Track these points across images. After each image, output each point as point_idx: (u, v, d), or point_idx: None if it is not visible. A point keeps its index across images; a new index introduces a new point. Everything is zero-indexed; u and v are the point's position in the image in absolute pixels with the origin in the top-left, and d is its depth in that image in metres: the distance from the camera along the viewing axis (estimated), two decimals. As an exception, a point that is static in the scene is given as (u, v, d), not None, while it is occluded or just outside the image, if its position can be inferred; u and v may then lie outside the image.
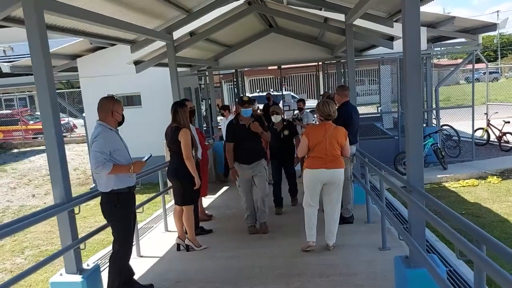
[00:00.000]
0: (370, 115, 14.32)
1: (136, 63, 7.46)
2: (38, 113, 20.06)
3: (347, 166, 5.78)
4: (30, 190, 11.92)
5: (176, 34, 7.08)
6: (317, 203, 4.87)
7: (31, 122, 23.03)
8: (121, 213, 3.81)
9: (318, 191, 4.82)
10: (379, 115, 14.38)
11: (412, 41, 3.26)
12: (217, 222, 6.59)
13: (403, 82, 3.31)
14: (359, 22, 6.61)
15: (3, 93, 28.89)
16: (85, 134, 13.18)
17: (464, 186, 9.09)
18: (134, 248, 5.37)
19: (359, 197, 6.27)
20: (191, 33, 7.45)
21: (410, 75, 3.27)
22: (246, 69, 25.75)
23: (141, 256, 5.26)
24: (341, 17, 6.90)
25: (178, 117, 5.03)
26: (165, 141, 5.33)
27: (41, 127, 18.24)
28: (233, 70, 15.36)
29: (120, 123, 3.94)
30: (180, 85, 11.70)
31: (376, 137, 11.37)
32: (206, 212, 6.97)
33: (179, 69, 11.05)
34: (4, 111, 24.18)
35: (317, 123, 5.03)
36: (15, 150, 19.52)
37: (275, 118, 6.60)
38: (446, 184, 9.40)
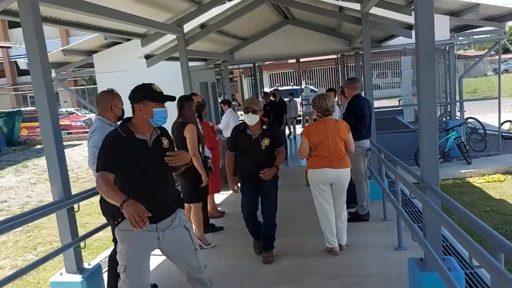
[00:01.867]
0: (392, 109, 13.91)
1: (147, 57, 7.35)
2: (61, 109, 20.28)
3: (359, 161, 5.53)
4: (50, 187, 12.04)
5: (187, 27, 6.93)
6: (330, 202, 4.57)
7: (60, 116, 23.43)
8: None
9: (327, 190, 4.52)
10: (400, 108, 13.97)
11: (424, 24, 3.00)
12: (230, 219, 6.43)
13: (416, 79, 3.05)
14: (375, 10, 6.32)
15: (28, 90, 29.55)
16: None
17: (489, 182, 8.69)
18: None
19: (376, 193, 6.00)
20: (202, 26, 7.29)
21: (422, 62, 3.02)
22: (265, 63, 25.55)
23: (148, 254, 5.14)
24: (356, 6, 6.61)
25: (184, 112, 4.88)
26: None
27: (64, 123, 18.41)
28: (251, 64, 15.22)
29: (120, 118, 3.81)
30: (195, 80, 11.65)
31: (397, 131, 11.00)
32: (219, 208, 6.82)
33: (194, 63, 10.99)
34: (29, 108, 24.64)
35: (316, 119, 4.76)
36: (38, 146, 19.83)
37: (250, 119, 4.28)
38: (470, 180, 9.00)
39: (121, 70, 11.20)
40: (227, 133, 8.80)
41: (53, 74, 11.56)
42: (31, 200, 10.63)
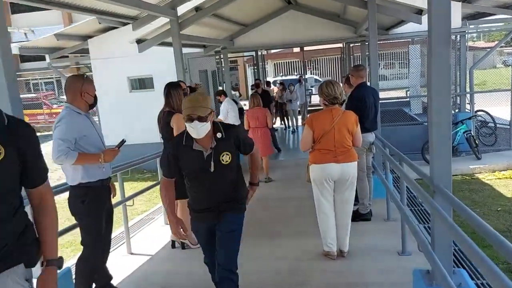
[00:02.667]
0: (399, 100, 13.41)
1: (139, 41, 6.92)
2: (63, 97, 19.80)
3: (362, 157, 5.11)
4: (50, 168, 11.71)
5: (181, 10, 6.50)
6: (331, 202, 4.15)
7: (55, 106, 23.11)
8: (89, 210, 3.28)
9: (330, 188, 4.09)
10: (407, 99, 13.46)
11: (439, 5, 2.56)
12: (222, 215, 6.05)
13: (428, 66, 2.60)
14: (382, -7, 5.84)
15: (32, 77, 29.19)
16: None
17: (500, 179, 8.24)
18: (124, 246, 4.93)
19: (380, 190, 5.58)
20: (197, 8, 6.84)
21: (436, 49, 2.58)
22: (270, 51, 24.98)
23: (132, 254, 4.78)
24: (362, -12, 6.14)
25: (171, 100, 4.46)
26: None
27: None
28: (254, 52, 14.74)
29: (92, 106, 3.40)
30: (194, 67, 11.24)
31: (403, 123, 10.53)
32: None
33: (192, 50, 10.56)
34: (29, 95, 24.33)
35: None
36: (38, 134, 19.43)
37: (197, 130, 2.73)
38: (480, 176, 8.55)
39: (118, 56, 10.81)
40: (226, 124, 8.41)
41: (47, 60, 11.17)
42: (23, 189, 10.28)
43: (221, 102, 8.38)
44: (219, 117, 8.35)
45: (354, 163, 4.06)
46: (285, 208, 6.10)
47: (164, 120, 4.44)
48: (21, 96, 14.77)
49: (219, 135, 2.80)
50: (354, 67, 5.33)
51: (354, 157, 4.07)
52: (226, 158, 2.83)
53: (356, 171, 4.10)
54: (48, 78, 28.18)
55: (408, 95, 14.59)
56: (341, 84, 4.12)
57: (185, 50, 10.26)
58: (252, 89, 12.20)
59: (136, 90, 11.26)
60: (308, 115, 4.16)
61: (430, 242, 2.97)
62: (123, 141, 3.61)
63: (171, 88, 4.48)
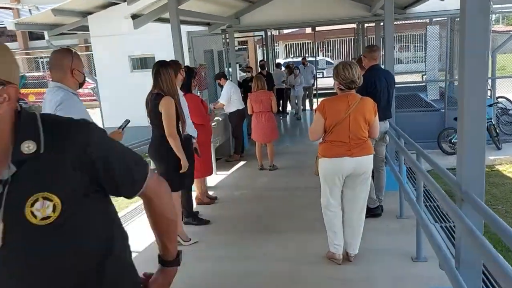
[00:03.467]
0: (414, 85, 12.73)
1: (134, 17, 6.42)
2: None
3: (378, 148, 4.60)
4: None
5: (179, -18, 5.96)
6: (339, 201, 3.68)
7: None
8: None
9: (340, 185, 3.62)
10: (423, 84, 12.76)
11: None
12: (221, 207, 5.62)
13: (460, 40, 2.03)
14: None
15: (40, 55, 28.83)
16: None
17: (522, 171, 7.68)
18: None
19: (392, 182, 5.06)
20: (197, -19, 6.29)
21: (471, 18, 2.05)
22: (282, 32, 24.22)
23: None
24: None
25: (160, 81, 3.98)
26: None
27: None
28: (263, 32, 14.12)
29: (81, 85, 2.96)
30: (198, 47, 10.69)
31: (419, 109, 9.90)
32: (210, 193, 6.01)
33: (196, 28, 10.01)
34: (36, 73, 24.02)
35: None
36: (43, 113, 19.17)
37: None
38: (500, 168, 7.98)
39: (118, 34, 10.32)
40: (230, 108, 7.93)
41: (46, 37, 10.72)
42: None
43: (222, 86, 7.87)
44: (220, 101, 7.87)
45: (370, 157, 3.59)
46: (290, 200, 5.64)
47: (152, 103, 3.97)
48: (28, 74, 14.53)
49: (28, 147, 1.14)
50: (368, 47, 4.78)
51: (370, 150, 3.59)
52: (43, 210, 1.13)
53: (371, 165, 3.64)
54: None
55: (424, 79, 13.89)
56: (357, 65, 3.59)
57: (189, 28, 9.76)
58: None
59: (138, 69, 10.79)
60: (320, 101, 3.65)
61: (453, 256, 2.49)
62: (127, 122, 3.25)
63: (160, 67, 3.98)
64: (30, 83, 21.43)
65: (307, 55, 23.03)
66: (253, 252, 4.12)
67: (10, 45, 22.06)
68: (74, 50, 2.94)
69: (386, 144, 4.89)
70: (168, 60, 4.24)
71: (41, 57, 28.17)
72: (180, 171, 4.07)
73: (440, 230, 4.36)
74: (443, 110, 9.33)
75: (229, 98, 7.73)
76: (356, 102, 3.47)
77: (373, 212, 4.68)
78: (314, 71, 14.12)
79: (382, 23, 9.94)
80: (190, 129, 4.68)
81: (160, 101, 3.88)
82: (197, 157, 5.04)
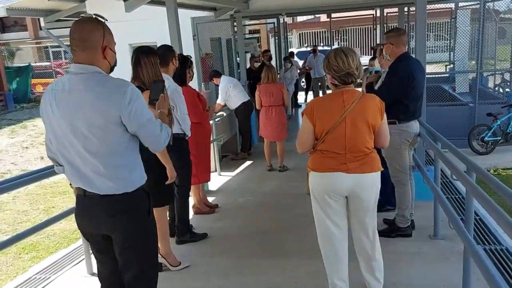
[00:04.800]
0: (436, 76, 11.73)
1: (126, -1, 5.64)
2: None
3: (403, 153, 3.78)
4: (42, 151, 10.77)
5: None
6: (342, 226, 2.77)
7: (69, 75, 22.28)
8: None
9: (339, 207, 2.73)
10: (447, 75, 11.75)
11: None
12: (221, 217, 4.87)
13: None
14: None
15: (51, 44, 28.25)
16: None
17: None
18: (83, 264, 3.78)
19: (422, 189, 4.24)
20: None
21: None
22: (296, 20, 23.28)
23: (93, 274, 3.61)
24: None
25: (140, 72, 3.21)
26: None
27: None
28: (275, 20, 13.24)
29: (112, 68, 2.21)
30: (204, 34, 9.89)
31: (444, 103, 8.94)
32: (210, 200, 5.27)
33: (202, 14, 9.21)
34: (43, 64, 23.52)
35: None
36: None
37: None
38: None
39: (118, 20, 9.54)
40: (233, 103, 7.18)
41: (42, 24, 10.06)
42: (15, 168, 9.38)
43: (218, 85, 7.10)
44: (217, 101, 7.09)
45: (375, 176, 2.69)
46: (301, 210, 4.82)
47: (130, 100, 3.19)
48: (35, 64, 13.85)
49: None
50: (393, 32, 3.84)
51: (375, 165, 2.70)
52: None
53: (378, 186, 2.73)
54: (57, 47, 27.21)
55: (447, 69, 12.89)
56: (357, 52, 2.73)
57: (193, 13, 8.98)
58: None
59: (139, 59, 10.06)
60: (309, 101, 2.79)
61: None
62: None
63: (141, 55, 3.21)
64: (38, 73, 20.91)
65: (321, 44, 22.09)
66: (254, 284, 3.36)
67: (20, 34, 21.52)
68: (104, 20, 2.14)
69: (413, 148, 4.06)
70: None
71: (48, 47, 27.72)
72: (166, 183, 3.31)
73: (485, 254, 3.55)
74: (472, 104, 8.40)
75: (226, 94, 7.02)
76: (354, 100, 2.59)
77: (402, 232, 3.89)
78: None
79: (406, 8, 9.03)
80: (187, 126, 3.95)
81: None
82: (194, 160, 4.32)
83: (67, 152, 2.08)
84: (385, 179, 3.83)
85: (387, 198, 4.31)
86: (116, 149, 2.08)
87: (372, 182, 2.67)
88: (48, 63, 23.10)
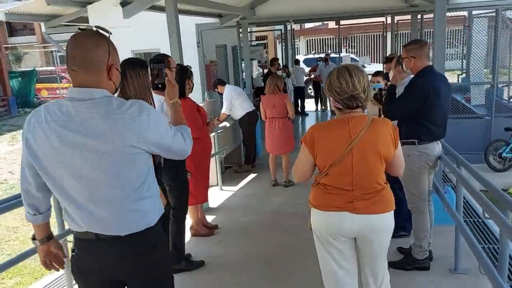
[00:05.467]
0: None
1: (123, 4, 5.35)
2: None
3: (422, 178, 3.41)
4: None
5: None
6: (352, 271, 2.40)
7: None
8: None
9: (347, 249, 2.35)
10: (459, 85, 11.30)
11: None
12: (220, 240, 4.51)
13: None
14: None
15: (56, 50, 28.18)
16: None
17: None
18: None
19: (440, 214, 3.84)
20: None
21: None
22: (303, 26, 22.96)
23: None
24: None
25: (126, 86, 2.87)
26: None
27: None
28: (282, 26, 12.93)
29: (116, 90, 1.91)
30: (209, 41, 9.59)
31: (457, 116, 8.49)
32: (210, 220, 4.93)
33: (206, 20, 8.92)
34: (49, 68, 23.37)
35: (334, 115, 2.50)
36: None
37: None
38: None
39: (120, 26, 9.28)
40: (237, 114, 6.87)
41: (43, 29, 9.82)
42: (12, 177, 9.09)
43: (221, 94, 6.81)
44: (222, 111, 6.79)
45: (388, 215, 2.30)
46: (307, 233, 4.46)
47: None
48: (40, 69, 13.60)
49: None
50: (414, 44, 3.46)
51: (388, 204, 2.30)
52: None
53: (391, 227, 2.34)
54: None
55: (459, 79, 12.47)
56: (364, 71, 2.27)
57: (198, 20, 8.69)
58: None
59: (141, 66, 9.78)
60: (309, 128, 2.37)
61: None
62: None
63: (126, 67, 2.87)
64: (43, 78, 20.77)
65: (329, 51, 21.74)
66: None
67: (28, 38, 21.27)
68: (108, 34, 1.80)
69: (433, 172, 3.69)
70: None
71: (53, 51, 27.59)
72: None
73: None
74: (489, 117, 7.99)
75: (231, 104, 6.75)
76: (363, 128, 2.20)
77: (419, 265, 3.52)
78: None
79: (419, 15, 8.66)
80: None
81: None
82: (192, 179, 4.00)
83: (74, 191, 1.73)
84: (400, 202, 3.47)
85: (402, 223, 3.96)
86: (141, 179, 1.78)
87: (383, 223, 2.28)
88: (53, 68, 22.92)
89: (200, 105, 6.79)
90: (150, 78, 2.28)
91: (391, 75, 4.52)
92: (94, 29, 1.75)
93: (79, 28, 1.77)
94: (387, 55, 12.24)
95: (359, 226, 2.24)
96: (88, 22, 9.57)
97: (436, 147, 3.43)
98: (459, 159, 3.27)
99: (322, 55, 16.62)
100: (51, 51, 29.77)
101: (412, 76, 3.84)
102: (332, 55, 17.38)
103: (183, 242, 3.88)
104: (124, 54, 8.68)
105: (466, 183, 2.85)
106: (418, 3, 7.74)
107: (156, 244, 1.86)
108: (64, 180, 1.73)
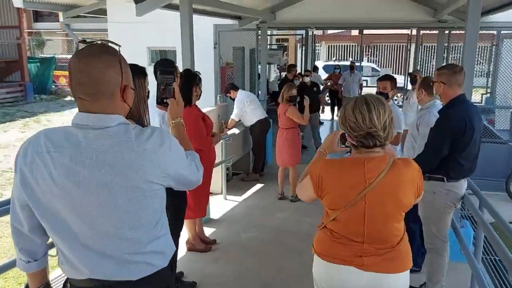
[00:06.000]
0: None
1: (138, 1, 5.13)
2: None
3: (444, 218, 3.12)
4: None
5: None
6: None
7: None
8: None
9: None
10: (482, 105, 10.82)
11: None
12: (217, 258, 4.27)
13: None
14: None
15: (80, 37, 28.26)
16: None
17: None
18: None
19: (455, 249, 3.53)
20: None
21: None
22: (326, 32, 22.57)
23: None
24: None
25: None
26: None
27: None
28: (303, 31, 12.65)
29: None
30: (227, 43, 9.35)
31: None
32: (209, 233, 4.70)
33: (224, 21, 8.69)
34: (68, 56, 23.46)
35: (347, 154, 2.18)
36: (67, 98, 18.49)
37: None
38: None
39: (138, 21, 9.10)
40: (249, 120, 6.64)
41: (61, 19, 9.73)
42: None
43: (233, 99, 6.57)
44: (231, 116, 6.56)
45: (403, 275, 1.95)
46: (310, 257, 4.20)
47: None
48: (59, 56, 13.53)
49: None
50: (448, 69, 3.10)
51: (406, 263, 1.97)
52: None
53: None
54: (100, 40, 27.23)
55: (483, 99, 11.99)
56: (387, 105, 1.92)
57: (217, 21, 8.46)
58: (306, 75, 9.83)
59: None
60: (316, 164, 2.07)
61: None
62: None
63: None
64: (62, 66, 20.88)
65: (350, 58, 21.34)
66: None
67: (53, 25, 21.20)
68: (118, 48, 1.55)
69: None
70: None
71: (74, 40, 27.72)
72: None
73: None
74: (512, 144, 7.59)
75: (242, 111, 6.55)
76: (381, 173, 1.86)
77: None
78: (361, 80, 12.10)
79: (446, 32, 8.29)
80: None
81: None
82: (191, 192, 3.77)
83: (80, 234, 1.46)
84: (413, 235, 3.21)
85: (413, 257, 3.65)
86: (156, 218, 1.54)
87: (397, 285, 1.95)
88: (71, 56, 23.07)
89: (212, 108, 6.67)
90: (156, 91, 1.97)
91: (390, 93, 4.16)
92: (101, 42, 1.47)
93: (80, 41, 1.50)
94: (410, 69, 11.88)
95: (366, 285, 1.92)
96: (106, 14, 9.44)
97: (465, 185, 3.12)
98: (483, 200, 2.96)
99: (342, 63, 16.34)
100: (72, 40, 29.98)
101: (437, 101, 3.56)
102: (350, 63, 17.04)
103: (175, 260, 3.64)
104: (139, 50, 8.50)
105: (490, 233, 2.54)
106: (447, 18, 7.39)
107: (169, 285, 1.64)
108: (68, 222, 1.45)
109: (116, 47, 1.50)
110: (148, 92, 2.62)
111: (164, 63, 3.37)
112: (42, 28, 29.96)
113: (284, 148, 5.82)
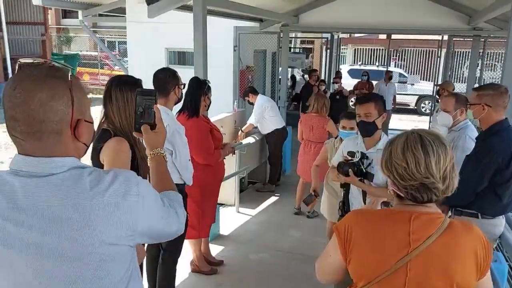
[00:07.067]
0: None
1: (150, 2, 4.84)
2: (127, 58, 18.54)
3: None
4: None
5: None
6: None
7: (117, 67, 22.16)
8: None
9: None
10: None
11: None
12: (222, 281, 3.94)
13: None
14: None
15: (107, 34, 28.34)
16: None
17: None
18: None
19: None
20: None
21: None
22: (353, 34, 21.99)
23: None
24: None
25: (110, 110, 2.31)
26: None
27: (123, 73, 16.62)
28: (329, 34, 12.23)
29: (88, 147, 1.30)
30: (247, 46, 9.01)
31: None
32: (217, 252, 4.38)
33: (246, 24, 8.36)
34: (92, 53, 23.63)
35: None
36: (90, 96, 18.55)
37: None
38: None
39: (156, 21, 8.87)
40: (266, 128, 6.30)
41: (80, 17, 9.56)
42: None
43: (252, 104, 6.22)
44: (249, 121, 6.22)
45: None
46: (321, 288, 3.84)
47: (93, 146, 2.29)
48: (84, 53, 13.48)
49: None
50: (491, 89, 2.67)
51: None
52: None
53: None
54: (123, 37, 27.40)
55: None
56: (449, 147, 1.40)
57: (237, 23, 8.14)
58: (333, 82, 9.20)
59: (174, 64, 9.31)
60: (345, 215, 1.59)
61: None
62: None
63: (114, 87, 2.31)
64: (85, 63, 21.03)
65: (376, 63, 20.70)
66: None
67: (74, 21, 21.38)
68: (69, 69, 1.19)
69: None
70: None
71: (109, 37, 27.87)
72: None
73: None
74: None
75: (261, 115, 6.20)
76: (431, 236, 1.35)
77: None
78: (396, 91, 10.64)
79: (482, 39, 7.76)
80: (189, 174, 3.12)
81: (106, 144, 2.22)
82: (196, 209, 3.48)
83: None
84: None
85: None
86: (123, 284, 1.21)
87: None
88: (96, 53, 23.16)
89: (228, 114, 6.35)
90: (134, 116, 1.58)
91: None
92: (45, 63, 1.13)
93: (21, 62, 1.13)
94: (439, 75, 11.26)
95: None
96: (125, 14, 9.25)
97: (502, 223, 2.69)
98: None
99: (368, 67, 15.71)
100: (101, 38, 30.17)
101: (469, 122, 3.16)
102: (380, 68, 16.43)
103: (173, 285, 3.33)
104: (157, 50, 8.18)
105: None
106: (483, 26, 6.86)
107: None
108: None
109: (68, 70, 1.14)
110: None
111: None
112: (69, 24, 30.35)
113: (312, 162, 5.43)
